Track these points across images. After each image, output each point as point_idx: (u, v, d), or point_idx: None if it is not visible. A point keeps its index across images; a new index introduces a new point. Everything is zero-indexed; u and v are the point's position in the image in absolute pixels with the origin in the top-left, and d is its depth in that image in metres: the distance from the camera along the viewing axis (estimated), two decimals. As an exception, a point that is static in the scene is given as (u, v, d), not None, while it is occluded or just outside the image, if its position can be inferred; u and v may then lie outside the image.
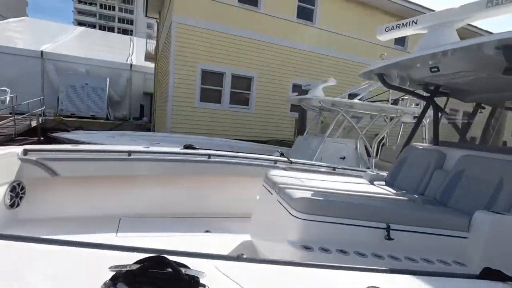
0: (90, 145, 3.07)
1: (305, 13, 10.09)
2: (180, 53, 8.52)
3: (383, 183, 2.93)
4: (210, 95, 9.23)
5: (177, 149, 3.11)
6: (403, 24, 2.47)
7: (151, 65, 15.34)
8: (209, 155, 3.10)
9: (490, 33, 13.30)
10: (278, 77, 9.85)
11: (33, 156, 2.44)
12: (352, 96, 6.70)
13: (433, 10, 11.54)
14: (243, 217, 2.69)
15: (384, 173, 3.05)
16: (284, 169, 3.51)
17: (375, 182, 2.92)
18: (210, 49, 8.85)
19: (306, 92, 5.93)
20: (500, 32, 1.69)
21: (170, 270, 0.64)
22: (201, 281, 0.67)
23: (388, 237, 1.74)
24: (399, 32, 2.51)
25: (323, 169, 3.58)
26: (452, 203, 2.24)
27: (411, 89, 3.09)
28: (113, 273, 0.64)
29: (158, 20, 14.07)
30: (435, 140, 2.93)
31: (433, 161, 2.56)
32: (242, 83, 9.54)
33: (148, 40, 15.32)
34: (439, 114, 3.02)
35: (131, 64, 17.12)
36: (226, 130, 9.27)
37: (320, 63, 10.31)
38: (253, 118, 9.68)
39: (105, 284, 0.63)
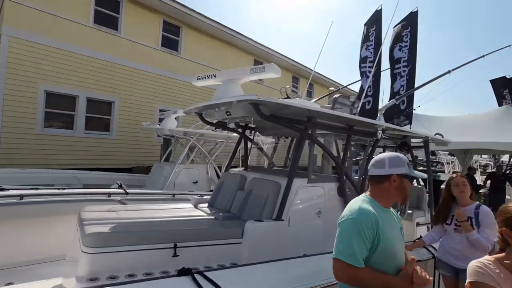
0: None
1: (170, 43, 10.51)
2: (15, 71, 7.22)
3: (206, 204, 3.43)
4: (58, 120, 8.12)
5: (-25, 192, 2.67)
6: (207, 76, 3.09)
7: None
8: (22, 196, 2.81)
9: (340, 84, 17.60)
10: (143, 102, 9.71)
11: None
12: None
13: (280, 53, 14.19)
14: (57, 260, 2.55)
15: (209, 196, 3.58)
16: (120, 201, 3.56)
17: (199, 205, 3.38)
18: (59, 69, 7.90)
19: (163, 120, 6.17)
20: (247, 94, 2.45)
21: None
22: None
23: (175, 254, 2.10)
24: (206, 81, 3.11)
25: (162, 196, 3.82)
26: (244, 216, 2.88)
27: (228, 125, 3.78)
28: None
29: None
30: (245, 165, 3.69)
31: (237, 184, 3.22)
32: (101, 108, 8.88)
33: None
34: (249, 144, 3.83)
35: None
36: (81, 160, 8.31)
37: (184, 90, 10.84)
38: (115, 145, 9.08)
39: None
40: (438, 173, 13.72)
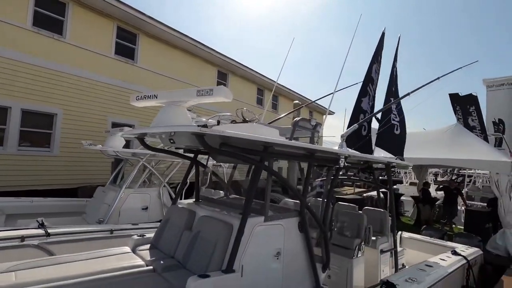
0: None
1: (125, 51, 9.76)
2: None
3: (148, 246, 2.90)
4: (-17, 135, 6.97)
5: None
6: (148, 96, 2.63)
7: None
8: None
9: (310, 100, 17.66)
10: (92, 114, 8.79)
11: None
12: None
13: (244, 65, 13.98)
14: None
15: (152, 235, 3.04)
16: (38, 246, 2.89)
17: (138, 248, 2.84)
18: (-15, 76, 6.82)
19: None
20: (188, 125, 2.05)
21: None
22: None
23: None
24: (146, 102, 2.65)
25: (95, 235, 3.21)
26: (190, 265, 2.41)
27: (175, 150, 3.32)
28: None
29: None
30: (196, 196, 3.23)
31: (183, 222, 2.74)
32: (40, 121, 7.83)
33: None
34: (202, 171, 3.39)
35: None
36: (13, 181, 7.18)
37: (143, 102, 10.08)
38: (57, 162, 8.03)
39: None
40: (396, 184, 14.30)
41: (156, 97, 2.58)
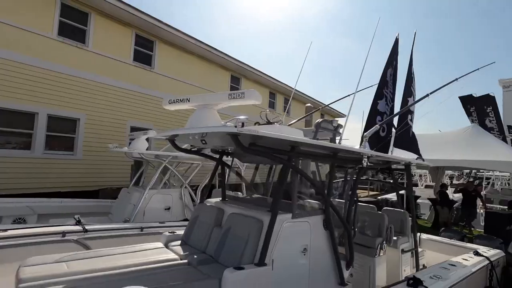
0: None
1: (143, 58, 10.09)
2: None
3: (179, 242, 3.05)
4: (13, 140, 7.33)
5: None
6: (181, 100, 2.80)
7: None
8: None
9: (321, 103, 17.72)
10: (113, 119, 9.11)
11: None
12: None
13: (256, 69, 14.16)
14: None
15: (182, 227, 3.18)
16: (77, 241, 3.08)
17: (171, 244, 2.99)
18: (15, 84, 7.20)
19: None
20: (224, 125, 2.20)
21: None
22: None
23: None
24: (179, 105, 2.81)
25: (127, 231, 3.37)
26: (222, 259, 2.54)
27: (203, 152, 3.47)
28: None
29: None
30: (223, 196, 3.37)
31: (213, 219, 2.88)
32: (64, 126, 8.18)
33: None
34: (227, 171, 3.53)
35: None
36: (40, 183, 7.51)
37: (158, 107, 10.37)
38: (80, 166, 8.35)
39: None
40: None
41: (189, 101, 2.74)
